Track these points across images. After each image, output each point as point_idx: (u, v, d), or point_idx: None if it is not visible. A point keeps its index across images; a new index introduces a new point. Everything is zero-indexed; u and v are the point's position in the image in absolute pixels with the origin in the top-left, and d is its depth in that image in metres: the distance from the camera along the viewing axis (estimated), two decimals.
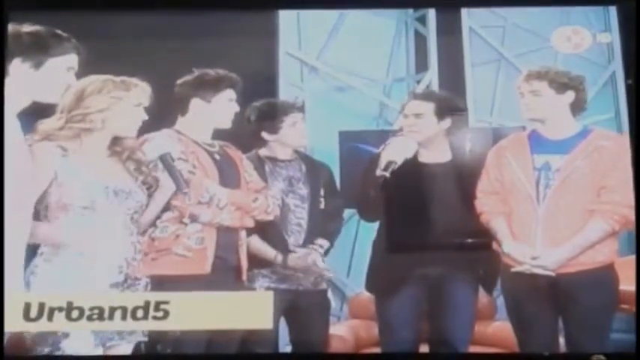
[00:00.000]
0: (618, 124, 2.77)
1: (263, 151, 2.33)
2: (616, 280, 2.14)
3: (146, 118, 2.04)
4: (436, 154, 2.29)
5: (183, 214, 2.06)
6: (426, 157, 2.28)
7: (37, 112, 1.92)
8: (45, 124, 1.95)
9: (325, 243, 2.30)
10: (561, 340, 2.18)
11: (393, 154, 2.23)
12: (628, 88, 2.26)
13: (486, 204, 2.23)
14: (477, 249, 2.23)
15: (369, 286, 2.30)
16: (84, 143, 1.97)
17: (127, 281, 1.96)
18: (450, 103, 2.34)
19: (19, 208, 1.81)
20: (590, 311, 2.11)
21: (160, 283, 2.03)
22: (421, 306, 2.24)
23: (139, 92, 2.01)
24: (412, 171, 2.24)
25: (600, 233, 2.11)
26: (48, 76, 1.86)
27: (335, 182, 2.37)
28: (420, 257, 2.20)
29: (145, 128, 2.07)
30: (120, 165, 2.02)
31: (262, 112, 2.32)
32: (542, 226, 2.14)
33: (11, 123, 1.81)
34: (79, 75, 1.95)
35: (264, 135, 2.31)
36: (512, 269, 2.15)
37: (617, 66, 2.68)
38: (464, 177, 2.26)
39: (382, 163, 2.23)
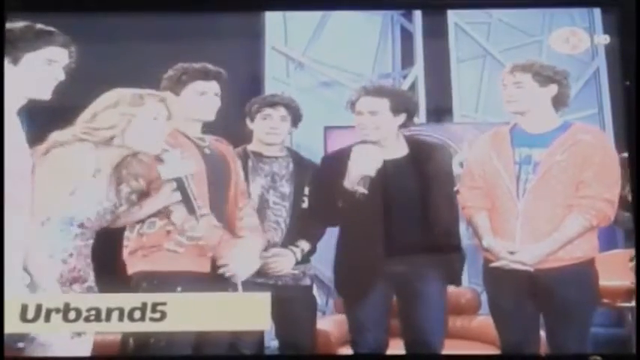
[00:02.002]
0: (602, 119, 2.80)
1: (250, 146, 2.32)
2: (595, 275, 2.13)
3: (167, 131, 2.02)
4: (392, 150, 2.23)
5: (169, 211, 2.05)
6: (382, 154, 2.21)
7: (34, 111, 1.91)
8: (57, 134, 1.91)
9: (306, 245, 2.25)
10: (543, 335, 2.19)
11: (365, 167, 2.15)
12: (626, 89, 2.25)
13: (469, 199, 2.23)
14: (441, 242, 2.23)
15: (339, 288, 2.27)
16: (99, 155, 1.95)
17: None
18: (404, 98, 2.31)
19: (19, 209, 1.80)
20: (569, 307, 2.10)
21: (150, 278, 2.01)
22: (390, 304, 2.20)
23: (155, 105, 1.97)
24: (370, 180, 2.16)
25: (578, 228, 2.08)
26: (29, 71, 1.85)
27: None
28: (385, 256, 2.15)
29: None
30: (114, 186, 1.99)
31: (252, 102, 2.31)
32: (521, 220, 2.13)
33: (10, 121, 1.80)
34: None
35: (248, 123, 2.31)
36: (491, 264, 2.15)
37: (601, 62, 2.71)
38: (422, 171, 2.21)
39: (354, 177, 2.15)
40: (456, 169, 2.49)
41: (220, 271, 2.05)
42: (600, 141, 2.16)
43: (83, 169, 1.90)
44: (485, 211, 2.19)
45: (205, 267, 2.04)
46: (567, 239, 2.09)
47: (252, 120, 2.31)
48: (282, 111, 2.28)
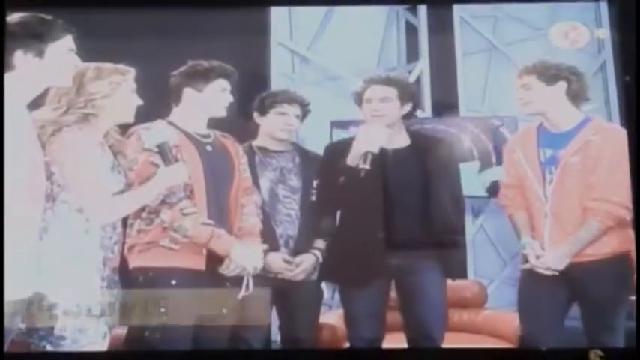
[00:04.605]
0: (608, 112, 2.80)
1: (256, 142, 2.32)
2: (628, 269, 2.05)
3: (141, 102, 2.04)
4: (395, 140, 2.20)
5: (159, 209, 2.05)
6: (385, 143, 2.17)
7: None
8: (42, 114, 1.92)
9: (322, 243, 2.23)
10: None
11: (369, 144, 2.11)
12: (625, 84, 2.21)
13: (508, 198, 2.21)
14: (442, 235, 2.21)
15: (335, 276, 2.25)
16: (93, 127, 1.96)
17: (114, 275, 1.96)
18: (410, 88, 2.31)
19: (34, 201, 1.82)
20: (600, 300, 2.06)
21: (146, 273, 2.01)
22: (387, 297, 2.17)
23: (132, 77, 2.01)
24: (372, 158, 2.12)
25: (594, 231, 2.04)
26: (54, 62, 1.85)
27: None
28: (385, 247, 2.13)
29: (142, 121, 2.07)
30: (111, 158, 2.00)
31: (264, 96, 2.30)
32: (550, 220, 2.10)
33: (22, 115, 1.81)
34: None
35: (255, 116, 2.30)
36: (520, 266, 2.15)
37: (607, 56, 2.70)
38: (424, 163, 2.18)
39: (357, 154, 2.12)
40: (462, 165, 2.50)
41: (222, 269, 2.01)
42: (611, 140, 2.10)
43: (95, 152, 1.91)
44: (523, 210, 2.16)
45: (200, 264, 2.01)
46: (586, 241, 2.06)
47: (262, 114, 2.30)
48: (297, 109, 2.29)
